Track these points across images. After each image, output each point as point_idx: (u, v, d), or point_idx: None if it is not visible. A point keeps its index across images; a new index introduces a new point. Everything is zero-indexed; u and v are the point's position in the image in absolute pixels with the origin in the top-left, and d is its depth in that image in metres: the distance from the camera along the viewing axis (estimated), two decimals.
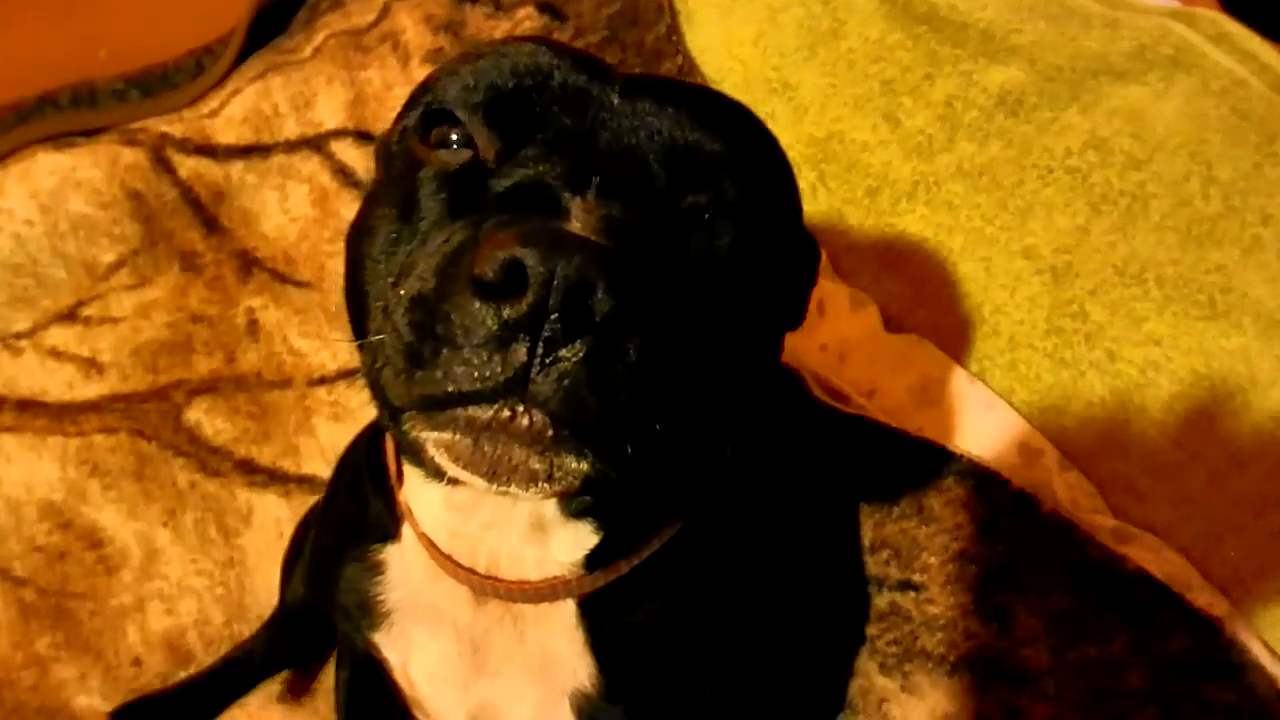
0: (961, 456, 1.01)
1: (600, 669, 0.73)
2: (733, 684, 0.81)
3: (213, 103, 1.54)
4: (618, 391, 0.47)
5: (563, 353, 0.46)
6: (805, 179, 1.25)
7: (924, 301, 1.16)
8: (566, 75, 0.59)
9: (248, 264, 1.41)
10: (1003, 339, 1.09)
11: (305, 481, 1.27)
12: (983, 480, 0.99)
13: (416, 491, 0.72)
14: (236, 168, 1.46)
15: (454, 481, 0.54)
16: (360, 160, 1.48)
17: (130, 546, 1.20)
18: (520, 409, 0.47)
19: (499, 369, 0.46)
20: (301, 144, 1.50)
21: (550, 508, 0.66)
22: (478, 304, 0.46)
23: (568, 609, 0.72)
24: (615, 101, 0.59)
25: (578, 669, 0.73)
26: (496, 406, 0.47)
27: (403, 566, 0.77)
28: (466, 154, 0.59)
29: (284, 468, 1.27)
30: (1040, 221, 1.11)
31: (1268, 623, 0.92)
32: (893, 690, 0.98)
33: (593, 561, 0.69)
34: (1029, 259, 1.10)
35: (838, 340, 1.15)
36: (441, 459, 0.51)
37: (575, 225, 0.50)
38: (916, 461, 1.02)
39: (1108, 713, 0.90)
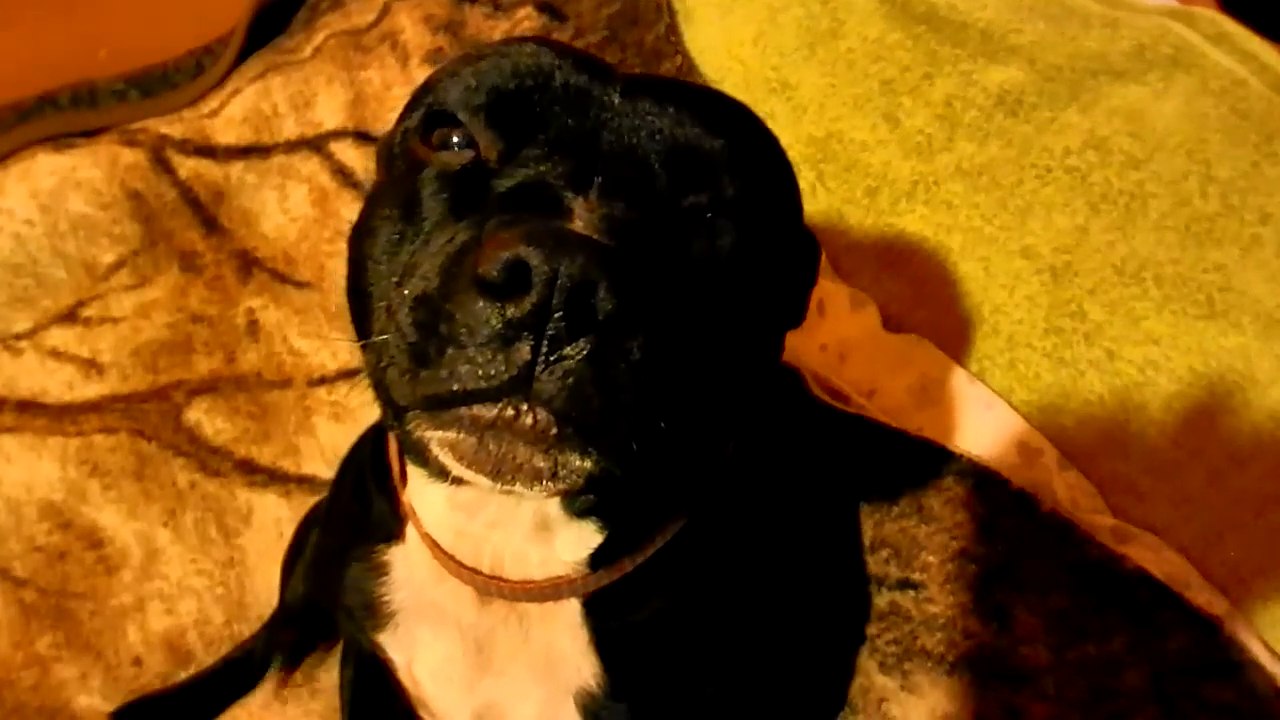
0: (961, 456, 1.01)
1: (605, 667, 0.73)
2: (736, 682, 0.82)
3: (213, 103, 1.54)
4: (621, 390, 0.47)
5: (566, 351, 0.46)
6: (804, 179, 1.25)
7: (923, 301, 1.16)
8: (568, 75, 0.60)
9: (248, 264, 1.41)
10: (1002, 338, 1.09)
11: (305, 481, 1.27)
12: (982, 480, 0.99)
13: (420, 492, 0.72)
14: (236, 168, 1.46)
15: (458, 481, 0.54)
16: (360, 160, 1.48)
17: (130, 546, 1.20)
18: (524, 407, 0.47)
19: (503, 368, 0.46)
20: (301, 144, 1.50)
21: (554, 507, 0.66)
22: (481, 303, 0.46)
23: (572, 608, 0.72)
24: (616, 101, 0.59)
25: (582, 667, 0.73)
26: (501, 405, 0.48)
27: (407, 567, 0.77)
28: (468, 154, 0.59)
29: (284, 468, 1.27)
30: (1039, 221, 1.11)
31: (1267, 622, 0.92)
32: (892, 689, 0.98)
33: (597, 560, 0.70)
34: (1028, 258, 1.10)
35: (838, 340, 1.15)
36: (446, 458, 0.52)
37: (578, 225, 0.50)
38: (916, 461, 1.03)
39: (1107, 712, 0.90)
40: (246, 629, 1.17)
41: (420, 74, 1.50)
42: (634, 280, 0.47)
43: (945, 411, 1.08)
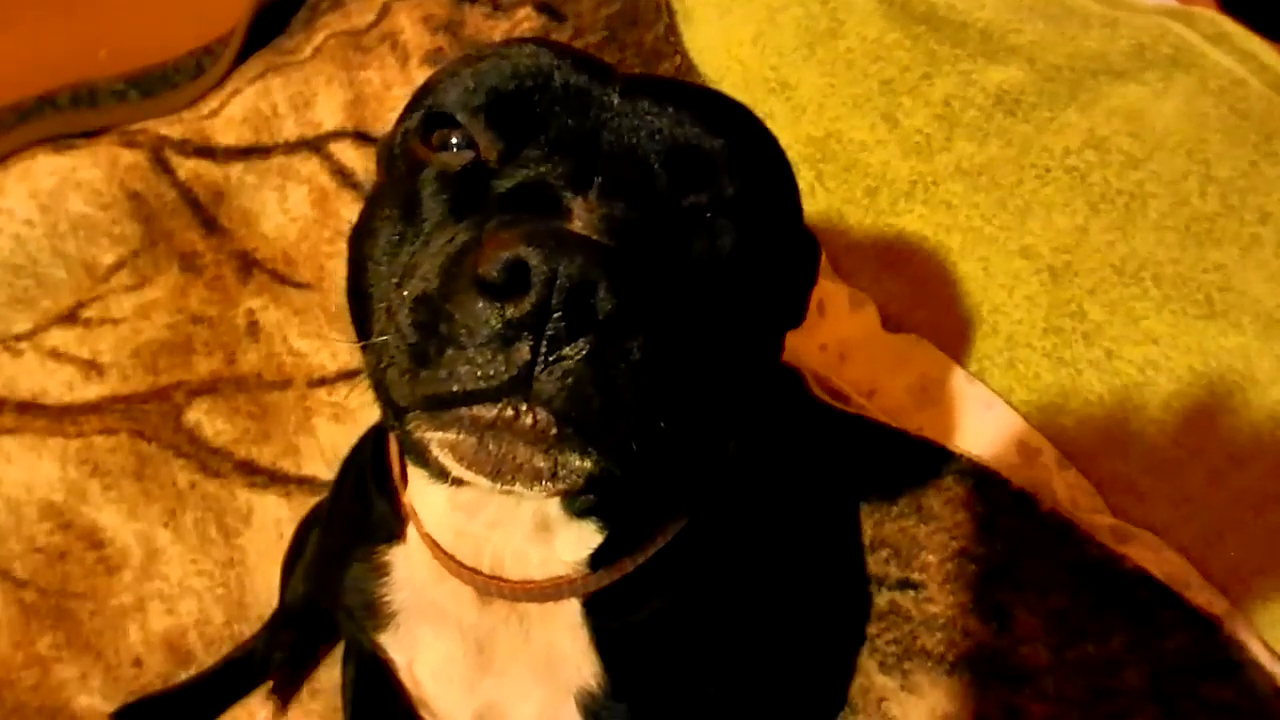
0: (961, 456, 1.01)
1: (605, 667, 0.73)
2: (736, 681, 0.82)
3: (212, 103, 1.54)
4: (621, 390, 0.47)
5: (566, 351, 0.46)
6: (803, 179, 1.25)
7: (923, 301, 1.16)
8: (567, 76, 0.60)
9: (247, 265, 1.41)
10: (1001, 338, 1.09)
11: (305, 482, 1.27)
12: (982, 479, 0.99)
13: (421, 492, 0.72)
14: (236, 168, 1.47)
15: (458, 482, 0.54)
16: (359, 161, 1.48)
17: (131, 547, 1.20)
18: (524, 408, 0.47)
19: (503, 368, 0.46)
20: (301, 144, 1.50)
21: (554, 507, 0.66)
22: (481, 303, 0.46)
23: (572, 608, 0.73)
24: (616, 101, 0.59)
25: (583, 667, 0.73)
26: (500, 405, 0.48)
27: (407, 567, 0.77)
28: (468, 155, 0.59)
29: (284, 468, 1.27)
30: (1039, 221, 1.11)
31: (1267, 621, 0.92)
32: (892, 689, 0.98)
33: (597, 560, 0.69)
34: (1027, 258, 1.10)
35: (837, 340, 1.15)
36: (446, 459, 0.52)
37: (577, 225, 0.50)
38: (916, 461, 1.03)
39: (1106, 711, 0.90)
40: (246, 629, 1.17)
41: (420, 74, 1.50)
42: (633, 280, 0.47)
43: (945, 411, 1.08)
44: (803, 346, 1.14)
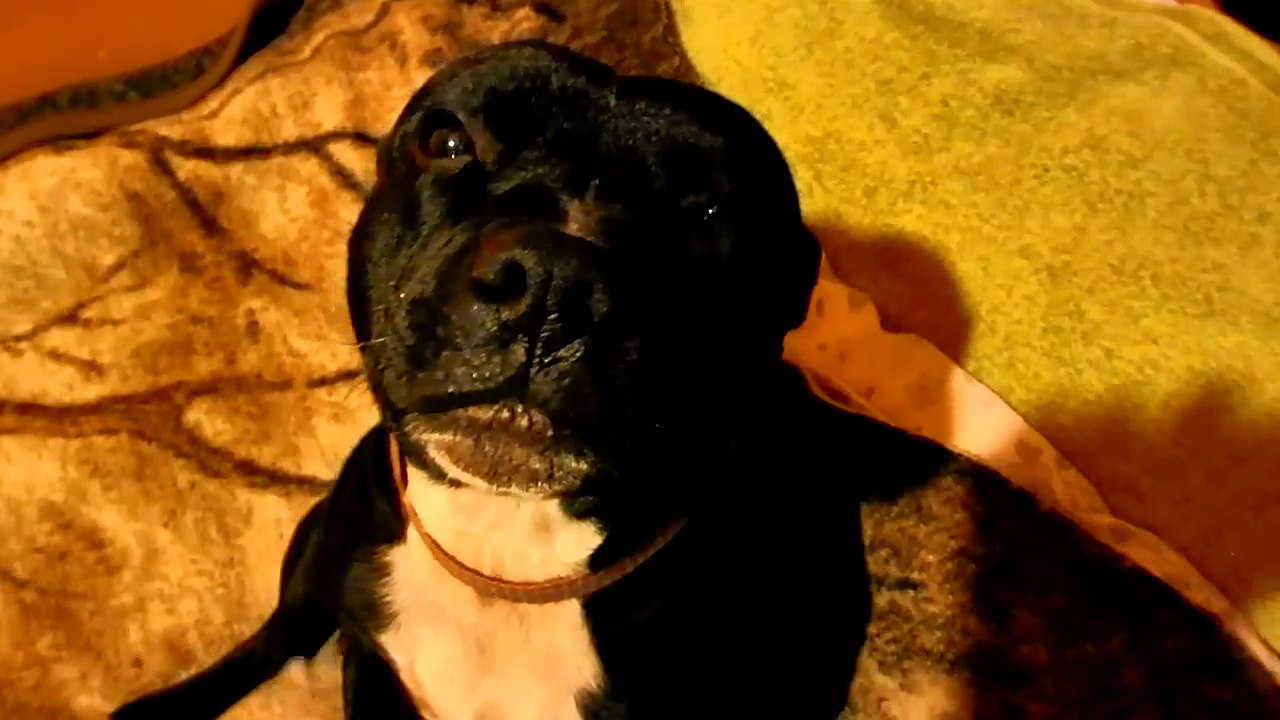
0: (960, 455, 1.01)
1: (605, 667, 0.73)
2: (737, 681, 0.82)
3: (212, 103, 1.54)
4: (617, 391, 0.48)
5: (561, 353, 0.46)
6: (802, 178, 1.25)
7: (922, 301, 1.16)
8: (565, 78, 0.60)
9: (247, 265, 1.41)
10: (1000, 338, 1.09)
11: (306, 482, 1.27)
12: (981, 479, 0.99)
13: (421, 493, 0.72)
14: (236, 169, 1.47)
15: (456, 483, 0.54)
16: (359, 161, 1.48)
17: (131, 547, 1.20)
18: (520, 409, 0.47)
19: (498, 369, 0.46)
20: (300, 145, 1.50)
21: (554, 508, 0.66)
22: (477, 305, 0.47)
23: (572, 608, 0.73)
24: (613, 103, 0.59)
25: (583, 667, 0.73)
26: (497, 407, 0.48)
27: (408, 568, 0.78)
28: (466, 159, 0.59)
29: (284, 468, 1.27)
30: (1038, 220, 1.11)
31: (1266, 620, 0.92)
32: (892, 688, 0.98)
33: (597, 561, 0.70)
34: (1026, 258, 1.10)
35: (837, 340, 1.15)
36: (443, 460, 0.52)
37: (573, 227, 0.50)
38: (915, 460, 1.03)
39: (1106, 710, 0.90)
40: (246, 629, 1.17)
41: (419, 75, 1.51)
42: (629, 282, 0.47)
43: (944, 411, 1.08)
44: (802, 346, 1.15)
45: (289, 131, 1.51)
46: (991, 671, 0.94)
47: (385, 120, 1.48)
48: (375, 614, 0.80)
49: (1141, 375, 1.03)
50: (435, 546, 0.72)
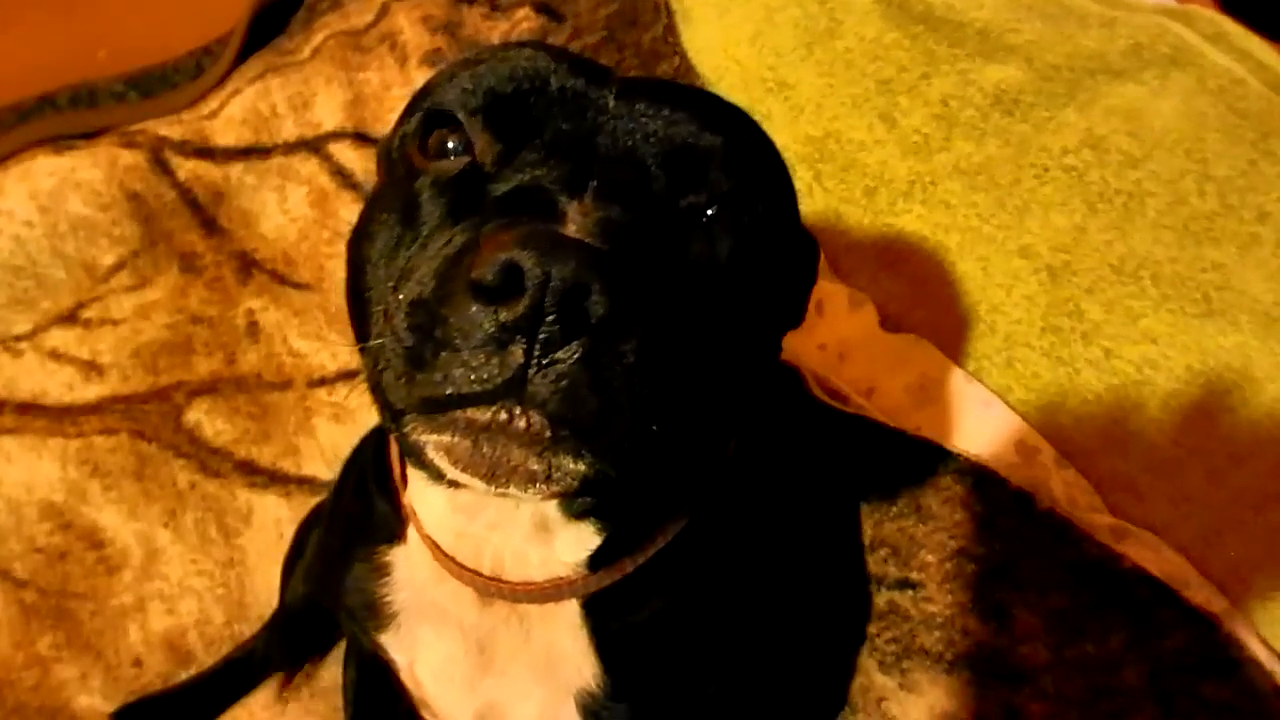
0: (959, 455, 1.01)
1: (605, 668, 0.73)
2: (737, 681, 0.82)
3: (212, 104, 1.54)
4: (615, 392, 0.48)
5: (559, 354, 0.46)
6: (802, 178, 1.25)
7: (922, 301, 1.16)
8: (564, 79, 0.60)
9: (247, 265, 1.41)
10: (1000, 337, 1.10)
11: (306, 482, 1.27)
12: (980, 479, 1.00)
13: (421, 493, 0.72)
14: (235, 169, 1.47)
15: (455, 483, 0.54)
16: (359, 161, 1.48)
17: (131, 547, 1.20)
18: (518, 410, 0.47)
19: (496, 370, 0.46)
20: (300, 145, 1.50)
21: (553, 508, 0.66)
22: (475, 307, 0.47)
23: (572, 608, 0.73)
24: (612, 104, 0.59)
25: (582, 668, 0.73)
26: (495, 408, 0.48)
27: (408, 568, 0.78)
28: (465, 159, 0.59)
29: (284, 468, 1.27)
30: (1037, 220, 1.12)
31: (1266, 619, 0.92)
32: (891, 688, 0.98)
33: (596, 561, 0.70)
34: (1026, 258, 1.10)
35: (836, 340, 1.15)
36: (441, 461, 0.52)
37: (571, 228, 0.50)
38: (915, 460, 1.03)
39: (1106, 710, 0.90)
40: (246, 629, 1.17)
41: (419, 75, 1.51)
42: (627, 283, 0.47)
43: (943, 411, 1.08)
44: (802, 346, 1.15)
45: (289, 131, 1.51)
46: (991, 671, 0.94)
47: (385, 120, 1.48)
48: (375, 614, 0.80)
49: (1141, 375, 1.03)
50: (435, 547, 0.72)
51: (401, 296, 0.51)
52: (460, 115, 0.60)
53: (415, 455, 0.54)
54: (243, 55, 1.64)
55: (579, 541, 0.68)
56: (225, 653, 1.16)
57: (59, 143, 1.45)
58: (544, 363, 0.46)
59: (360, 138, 1.50)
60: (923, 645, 0.98)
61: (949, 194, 1.17)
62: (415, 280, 0.51)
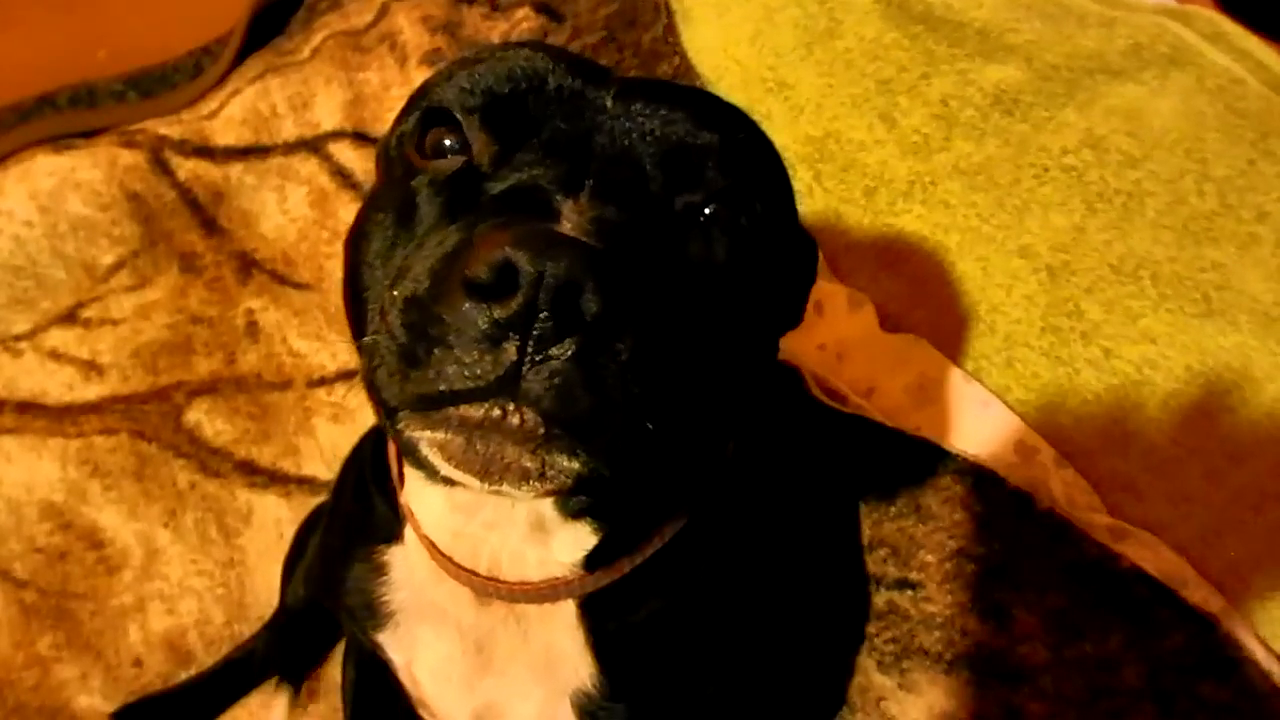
0: (958, 455, 1.01)
1: (602, 668, 0.73)
2: (735, 682, 0.82)
3: (211, 104, 1.54)
4: (609, 390, 0.47)
5: (553, 351, 0.46)
6: (801, 178, 1.25)
7: (921, 300, 1.16)
8: (562, 79, 0.60)
9: (247, 265, 1.41)
10: (999, 337, 1.10)
11: (305, 482, 1.27)
12: (980, 478, 1.00)
13: (418, 493, 0.72)
14: (235, 169, 1.47)
15: (449, 481, 0.55)
16: (358, 161, 1.48)
17: (131, 547, 1.20)
18: (511, 407, 0.47)
19: (490, 368, 0.46)
20: (300, 145, 1.50)
21: (549, 508, 0.66)
22: (469, 304, 0.47)
23: (569, 609, 0.73)
24: (610, 104, 0.59)
25: (580, 668, 0.73)
26: (488, 405, 0.48)
27: (406, 567, 0.78)
28: (462, 158, 0.60)
29: (284, 468, 1.27)
30: (1037, 220, 1.12)
31: (1265, 619, 0.92)
32: (891, 688, 0.98)
33: (593, 561, 0.69)
34: (1025, 257, 1.10)
35: (836, 340, 1.15)
36: (435, 458, 0.52)
37: (567, 227, 0.50)
38: (914, 460, 1.03)
39: (1104, 710, 0.90)
40: (246, 629, 1.17)
41: (418, 75, 1.51)
42: (621, 281, 0.47)
43: (943, 411, 1.08)
44: (801, 346, 1.15)
45: (288, 131, 1.51)
46: (990, 671, 0.94)
47: (385, 120, 1.48)
48: (374, 613, 0.80)
49: (1140, 375, 1.03)
50: (432, 547, 0.72)
51: (396, 294, 0.51)
52: (458, 114, 0.60)
53: (410, 452, 0.54)
54: (242, 55, 1.64)
55: (576, 541, 0.68)
56: (225, 653, 1.16)
57: (59, 142, 1.45)
58: (537, 360, 0.46)
59: (360, 138, 1.51)
60: (922, 645, 0.98)
61: (949, 194, 1.17)
62: (410, 278, 0.51)
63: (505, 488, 0.51)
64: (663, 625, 0.76)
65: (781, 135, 1.15)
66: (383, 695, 0.94)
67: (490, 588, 0.71)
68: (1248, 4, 1.23)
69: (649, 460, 0.52)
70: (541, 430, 0.48)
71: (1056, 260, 1.09)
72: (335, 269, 0.66)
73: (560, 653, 0.74)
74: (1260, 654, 0.88)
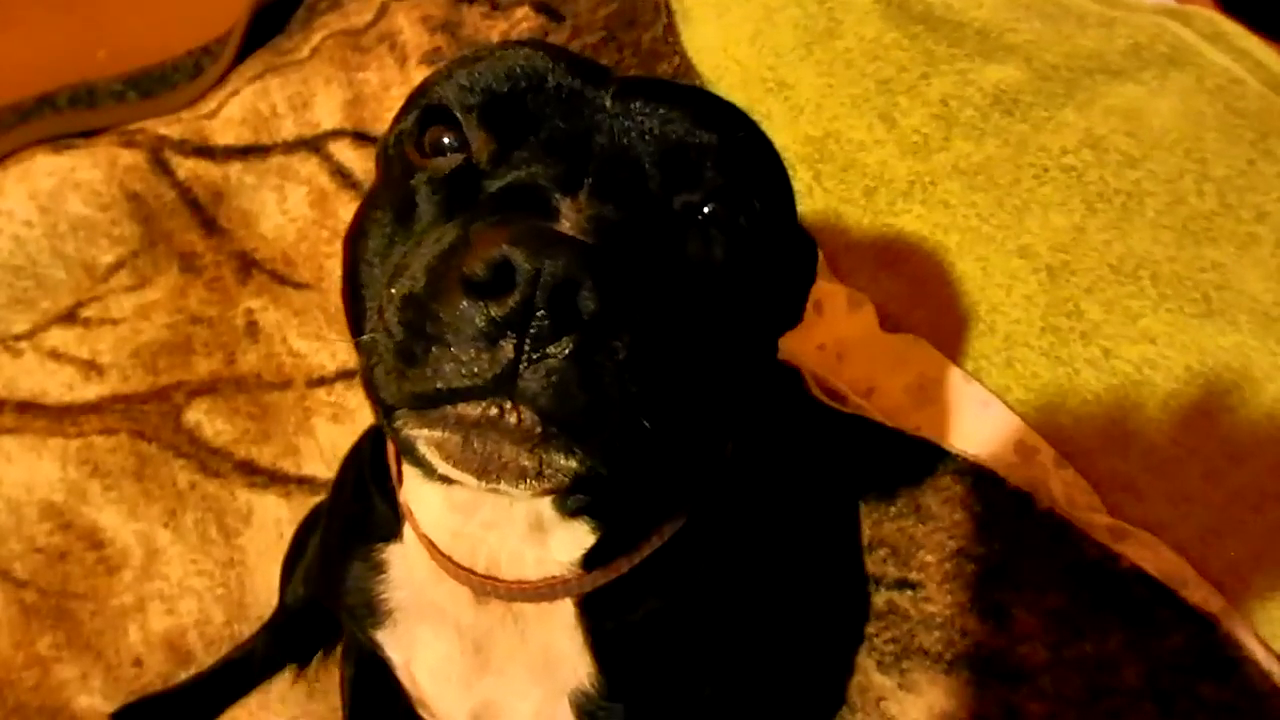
0: (958, 455, 1.01)
1: (600, 667, 0.73)
2: (733, 682, 0.82)
3: (211, 103, 1.55)
4: (606, 389, 0.47)
5: (550, 350, 0.46)
6: (801, 178, 1.25)
7: (921, 301, 1.16)
8: (561, 78, 0.60)
9: (247, 265, 1.41)
10: (999, 337, 1.10)
11: (305, 482, 1.27)
12: (979, 478, 1.00)
13: (416, 491, 0.72)
14: (235, 168, 1.47)
15: (447, 480, 0.55)
16: (358, 161, 1.48)
17: (131, 547, 1.20)
18: (509, 406, 0.47)
19: (487, 366, 0.46)
20: (300, 145, 1.50)
21: (548, 507, 0.66)
22: (466, 302, 0.47)
23: (567, 608, 0.73)
24: (609, 103, 0.59)
25: (578, 667, 0.73)
26: (485, 404, 0.48)
27: (405, 566, 0.78)
28: (460, 157, 0.60)
29: (284, 468, 1.27)
30: (1036, 220, 1.12)
31: (1264, 619, 0.92)
32: (890, 688, 0.98)
33: (591, 560, 0.69)
34: (1025, 257, 1.10)
35: (835, 340, 1.15)
36: (432, 457, 0.52)
37: (565, 225, 0.50)
38: (914, 460, 1.03)
39: (1104, 710, 0.90)
40: (246, 629, 1.18)
41: (418, 74, 1.51)
42: (619, 280, 0.47)
43: (942, 410, 1.08)
44: (801, 346, 1.15)
45: (288, 131, 1.51)
46: (990, 671, 0.94)
47: (384, 120, 1.48)
48: (373, 612, 0.80)
49: (1140, 375, 1.03)
50: (431, 545, 0.72)
51: (394, 292, 0.51)
52: (457, 112, 0.60)
53: (408, 451, 0.54)
54: (242, 55, 1.64)
55: (574, 540, 0.68)
56: (225, 653, 1.16)
57: (58, 142, 1.45)
58: (535, 358, 0.46)
59: (360, 137, 1.51)
60: (922, 645, 0.98)
61: (948, 194, 1.17)
62: (408, 276, 0.51)
63: (503, 486, 0.51)
64: (661, 625, 0.75)
65: (781, 135, 1.15)
66: (382, 694, 0.93)
67: (488, 587, 0.71)
68: (1248, 4, 1.23)
69: (647, 459, 0.52)
70: (539, 429, 0.48)
71: (1056, 260, 1.09)
72: (335, 269, 0.66)
73: (558, 652, 0.74)
74: (1260, 654, 0.88)
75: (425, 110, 0.62)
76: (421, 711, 0.88)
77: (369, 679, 0.99)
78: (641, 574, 0.72)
